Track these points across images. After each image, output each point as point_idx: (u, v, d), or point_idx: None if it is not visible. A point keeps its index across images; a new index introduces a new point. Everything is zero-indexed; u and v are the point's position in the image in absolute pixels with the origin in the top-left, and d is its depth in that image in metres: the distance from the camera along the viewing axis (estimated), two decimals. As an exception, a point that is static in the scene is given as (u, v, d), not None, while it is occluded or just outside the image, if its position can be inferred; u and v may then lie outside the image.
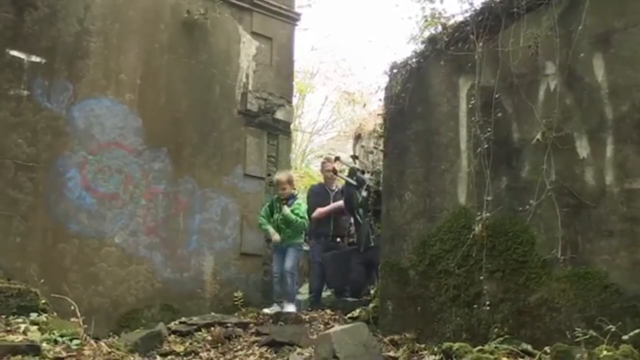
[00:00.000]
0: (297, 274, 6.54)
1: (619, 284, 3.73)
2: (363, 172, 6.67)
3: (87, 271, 5.68)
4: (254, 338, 5.38)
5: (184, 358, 4.82)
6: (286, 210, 6.33)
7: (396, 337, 4.89)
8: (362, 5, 27.24)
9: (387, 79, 5.76)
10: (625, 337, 3.24)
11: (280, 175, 6.59)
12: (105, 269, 5.80)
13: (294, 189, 6.75)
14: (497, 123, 4.54)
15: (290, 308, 6.20)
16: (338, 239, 7.03)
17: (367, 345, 4.36)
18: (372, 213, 6.48)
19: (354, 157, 7.50)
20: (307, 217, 6.62)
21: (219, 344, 5.21)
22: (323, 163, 7.55)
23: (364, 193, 6.50)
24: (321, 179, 7.85)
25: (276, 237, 6.35)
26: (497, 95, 4.57)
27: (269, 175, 7.08)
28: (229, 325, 5.60)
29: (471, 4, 4.99)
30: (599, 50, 4.03)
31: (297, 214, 6.38)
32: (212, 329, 5.51)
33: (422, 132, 5.24)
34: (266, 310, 6.19)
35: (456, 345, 3.96)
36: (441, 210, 4.95)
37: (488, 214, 4.45)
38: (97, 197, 5.84)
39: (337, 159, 7.50)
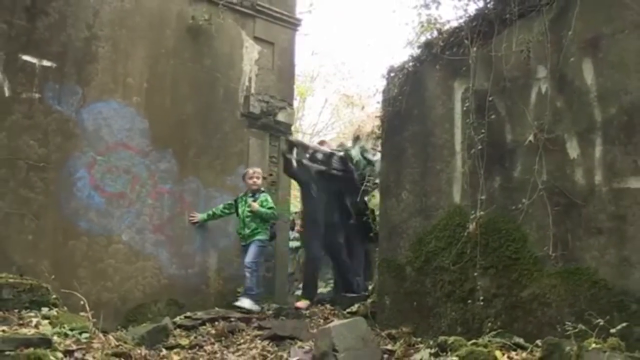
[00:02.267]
0: (257, 270, 6.26)
1: (607, 280, 3.74)
2: (315, 151, 6.66)
3: (96, 267, 5.70)
4: (256, 332, 5.39)
5: (189, 351, 4.82)
6: (256, 206, 6.23)
7: (393, 331, 4.90)
8: (360, 11, 27.24)
9: (384, 82, 5.76)
10: (613, 331, 3.24)
11: (254, 168, 6.50)
12: (114, 265, 5.82)
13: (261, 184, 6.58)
14: (491, 125, 4.54)
15: (245, 304, 5.97)
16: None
17: (365, 339, 4.37)
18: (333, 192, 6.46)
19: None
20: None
21: (223, 338, 5.22)
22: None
23: (315, 166, 6.43)
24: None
25: (196, 219, 6.31)
26: (490, 98, 4.57)
27: (270, 175, 7.10)
28: (232, 319, 5.62)
29: (465, 10, 5.02)
30: (588, 55, 4.04)
31: (264, 206, 6.31)
32: (216, 323, 5.53)
33: (419, 134, 5.25)
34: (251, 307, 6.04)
35: (451, 339, 3.95)
36: (437, 209, 4.96)
37: (482, 213, 4.45)
38: (106, 196, 5.86)
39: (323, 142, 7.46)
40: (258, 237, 6.26)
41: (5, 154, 5.31)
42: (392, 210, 5.38)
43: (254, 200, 6.29)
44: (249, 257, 6.16)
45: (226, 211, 6.42)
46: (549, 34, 4.23)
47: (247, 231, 6.26)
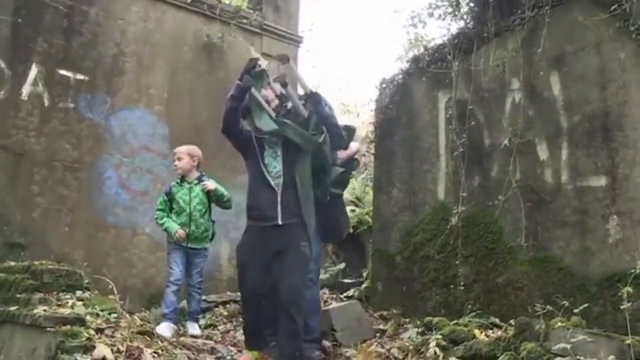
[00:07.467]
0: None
1: (571, 267, 3.82)
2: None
3: (122, 256, 5.75)
4: (264, 313, 5.44)
5: (205, 330, 4.88)
6: (211, 185, 4.58)
7: (385, 313, 4.95)
8: (355, 30, 27.23)
9: (377, 92, 5.81)
10: (576, 311, 3.30)
11: (180, 147, 4.75)
12: (138, 254, 5.87)
13: (200, 167, 4.80)
14: (471, 130, 4.61)
15: (195, 330, 4.58)
16: None
17: (360, 320, 4.44)
18: None
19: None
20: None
21: (234, 319, 5.25)
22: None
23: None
24: None
25: (180, 232, 4.50)
26: (470, 107, 4.63)
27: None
28: (242, 302, 5.65)
29: (448, 29, 5.11)
30: (555, 69, 4.12)
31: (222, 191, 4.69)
32: (228, 305, 5.57)
33: (407, 138, 5.30)
34: (161, 332, 4.06)
35: (436, 319, 4.04)
36: (423, 205, 5.01)
37: (463, 208, 4.52)
38: (131, 193, 5.91)
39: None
40: (207, 245, 4.75)
41: (45, 156, 5.39)
42: (384, 206, 5.43)
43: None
44: (199, 275, 4.70)
45: (167, 209, 4.71)
46: (522, 50, 4.30)
47: (196, 231, 4.59)
